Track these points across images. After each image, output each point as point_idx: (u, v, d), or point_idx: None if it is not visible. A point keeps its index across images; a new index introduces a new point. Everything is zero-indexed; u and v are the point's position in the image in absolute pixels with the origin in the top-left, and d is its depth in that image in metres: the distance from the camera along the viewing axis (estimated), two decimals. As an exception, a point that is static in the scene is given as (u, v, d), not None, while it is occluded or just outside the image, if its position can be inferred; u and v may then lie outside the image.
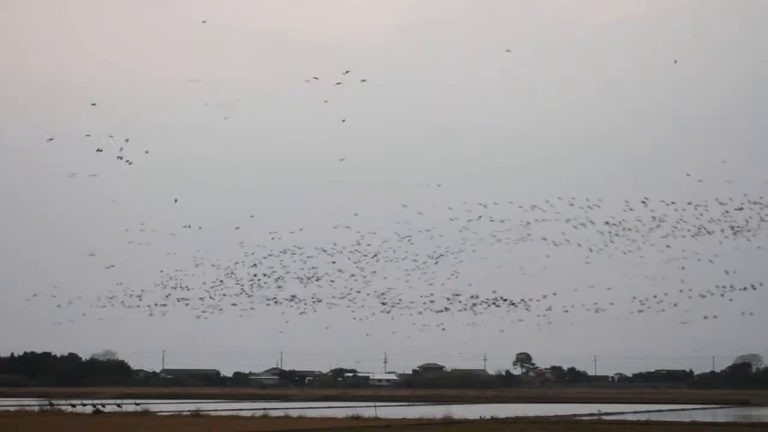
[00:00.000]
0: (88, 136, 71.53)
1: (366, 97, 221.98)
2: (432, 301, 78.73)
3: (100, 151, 68.19)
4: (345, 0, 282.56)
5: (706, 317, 75.18)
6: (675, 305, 74.96)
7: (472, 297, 77.52)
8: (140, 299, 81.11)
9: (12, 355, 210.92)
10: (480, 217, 76.41)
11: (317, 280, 78.59)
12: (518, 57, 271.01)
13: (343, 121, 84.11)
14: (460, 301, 77.54)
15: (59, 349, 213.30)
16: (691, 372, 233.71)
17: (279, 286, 78.80)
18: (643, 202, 73.30)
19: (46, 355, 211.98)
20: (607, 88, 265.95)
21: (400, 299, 79.45)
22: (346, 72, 66.80)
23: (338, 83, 67.34)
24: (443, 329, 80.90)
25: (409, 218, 78.36)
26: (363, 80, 70.47)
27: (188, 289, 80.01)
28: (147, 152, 71.27)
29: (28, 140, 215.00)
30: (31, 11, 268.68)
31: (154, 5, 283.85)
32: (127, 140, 68.67)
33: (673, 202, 73.70)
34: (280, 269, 78.66)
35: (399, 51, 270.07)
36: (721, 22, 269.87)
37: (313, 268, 78.78)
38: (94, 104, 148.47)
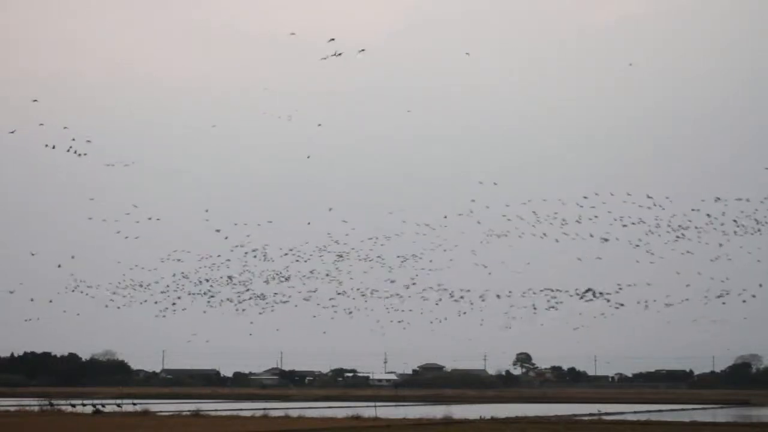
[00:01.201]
0: (41, 125, 71.92)
1: (365, 97, 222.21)
2: (507, 296, 78.78)
3: (53, 147, 68.46)
4: (345, 0, 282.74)
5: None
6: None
7: (552, 290, 77.73)
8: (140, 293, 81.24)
9: (12, 355, 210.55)
10: (471, 211, 76.56)
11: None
12: (518, 57, 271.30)
13: (319, 125, 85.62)
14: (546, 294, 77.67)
15: (59, 349, 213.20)
16: (691, 372, 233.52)
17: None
18: (718, 199, 72.89)
19: (46, 355, 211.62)
20: (607, 88, 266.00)
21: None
22: (331, 40, 65.88)
23: (339, 53, 66.81)
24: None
25: (429, 219, 78.68)
26: (361, 50, 70.49)
27: (146, 288, 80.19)
28: (89, 141, 71.04)
29: (27, 140, 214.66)
30: (31, 11, 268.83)
31: (154, 5, 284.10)
32: (73, 139, 68.94)
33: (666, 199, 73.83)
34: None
35: (399, 51, 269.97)
36: (721, 22, 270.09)
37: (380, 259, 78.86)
38: (35, 100, 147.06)
